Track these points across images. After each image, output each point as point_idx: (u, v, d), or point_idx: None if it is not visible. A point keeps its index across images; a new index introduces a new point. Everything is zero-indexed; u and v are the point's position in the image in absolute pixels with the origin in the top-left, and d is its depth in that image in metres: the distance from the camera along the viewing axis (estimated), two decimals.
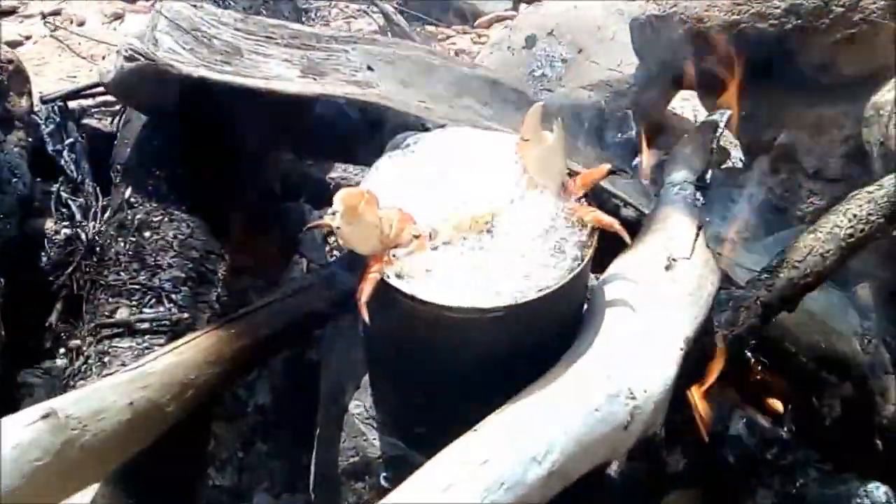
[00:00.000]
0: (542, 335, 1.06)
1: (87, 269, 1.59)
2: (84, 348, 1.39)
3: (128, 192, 1.56)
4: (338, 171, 1.79)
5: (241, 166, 1.63)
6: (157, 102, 1.56)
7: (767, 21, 1.77)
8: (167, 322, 1.39)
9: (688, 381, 1.14)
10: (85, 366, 1.34)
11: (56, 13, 2.94)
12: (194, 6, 1.57)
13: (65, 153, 1.89)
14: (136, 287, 1.43)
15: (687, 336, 1.08)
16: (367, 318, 0.97)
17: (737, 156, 2.25)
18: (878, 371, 1.59)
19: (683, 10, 1.88)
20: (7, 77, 1.81)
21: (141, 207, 1.53)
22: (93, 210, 1.76)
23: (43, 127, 1.91)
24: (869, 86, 1.75)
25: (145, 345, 1.35)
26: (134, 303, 1.41)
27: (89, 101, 2.04)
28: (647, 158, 1.60)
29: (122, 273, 1.45)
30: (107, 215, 1.65)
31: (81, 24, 2.92)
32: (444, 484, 0.86)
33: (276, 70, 1.50)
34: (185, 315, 1.41)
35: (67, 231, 1.73)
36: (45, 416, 0.96)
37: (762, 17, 1.77)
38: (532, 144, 1.11)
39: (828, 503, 1.41)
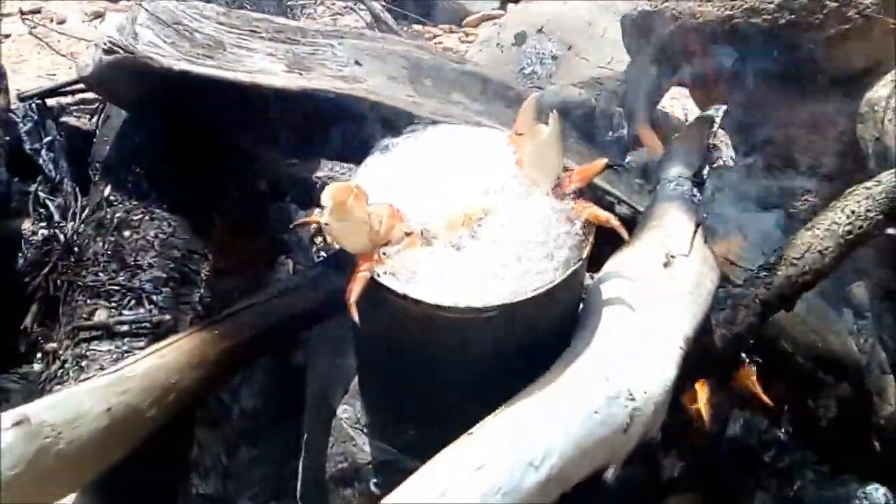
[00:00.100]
0: (539, 335, 1.05)
1: (65, 270, 1.55)
2: (61, 352, 1.36)
3: (107, 190, 1.53)
4: (325, 169, 1.77)
5: (225, 164, 1.60)
6: (137, 97, 1.53)
7: (761, 16, 1.76)
8: (148, 324, 1.36)
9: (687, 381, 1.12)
10: (62, 370, 1.32)
11: (36, 11, 2.89)
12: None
13: (43, 152, 1.85)
14: (116, 288, 1.40)
15: (686, 335, 1.06)
16: (356, 319, 0.95)
17: (728, 154, 2.23)
18: (874, 370, 1.58)
19: (676, 5, 1.87)
20: None
21: (120, 206, 1.50)
22: (71, 210, 1.73)
23: (20, 125, 1.87)
24: (863, 82, 1.74)
25: (125, 348, 1.33)
26: (113, 304, 1.38)
27: (68, 99, 2.00)
28: (652, 141, 1.57)
29: (100, 273, 1.43)
30: (85, 214, 1.61)
31: (62, 22, 2.88)
32: (440, 490, 0.84)
33: (260, 64, 1.47)
34: (167, 317, 1.38)
35: (45, 231, 1.70)
36: (18, 423, 0.93)
37: (755, 12, 1.77)
38: (527, 138, 1.09)
39: None
